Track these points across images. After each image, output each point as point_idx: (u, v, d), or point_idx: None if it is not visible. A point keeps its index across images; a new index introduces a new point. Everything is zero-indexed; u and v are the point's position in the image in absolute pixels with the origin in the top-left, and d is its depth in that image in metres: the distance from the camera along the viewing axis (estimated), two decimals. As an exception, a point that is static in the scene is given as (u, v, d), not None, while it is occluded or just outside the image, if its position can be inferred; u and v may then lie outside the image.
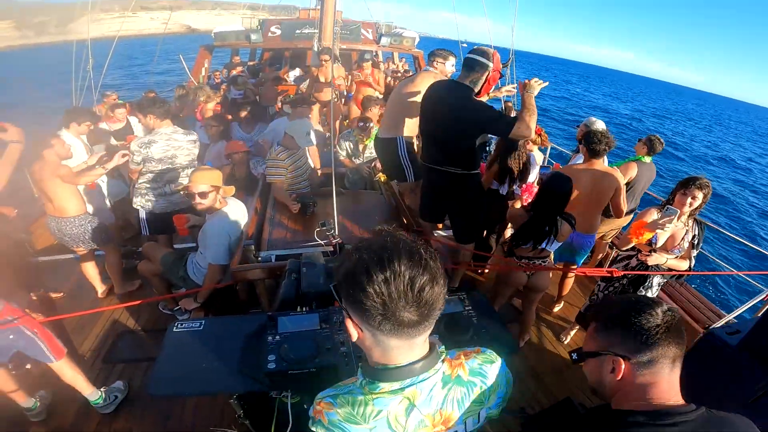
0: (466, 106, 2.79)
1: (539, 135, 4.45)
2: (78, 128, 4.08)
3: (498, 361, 1.07)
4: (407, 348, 0.90)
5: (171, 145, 3.57)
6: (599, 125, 4.10)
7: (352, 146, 4.88)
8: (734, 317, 3.31)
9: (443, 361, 0.97)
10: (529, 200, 3.11)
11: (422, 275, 0.82)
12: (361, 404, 0.92)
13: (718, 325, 3.16)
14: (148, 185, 3.65)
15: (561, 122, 26.76)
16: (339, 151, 4.87)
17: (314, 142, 3.86)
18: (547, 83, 2.89)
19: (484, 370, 1.03)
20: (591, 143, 3.31)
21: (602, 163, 3.38)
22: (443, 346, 1.01)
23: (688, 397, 2.39)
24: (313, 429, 0.96)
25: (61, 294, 3.89)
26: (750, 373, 2.16)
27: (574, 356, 1.12)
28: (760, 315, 3.09)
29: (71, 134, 4.04)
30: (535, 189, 3.28)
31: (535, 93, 2.77)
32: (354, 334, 0.92)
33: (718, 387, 2.34)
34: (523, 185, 3.71)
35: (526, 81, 2.79)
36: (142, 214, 3.77)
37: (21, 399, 2.63)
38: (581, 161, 3.61)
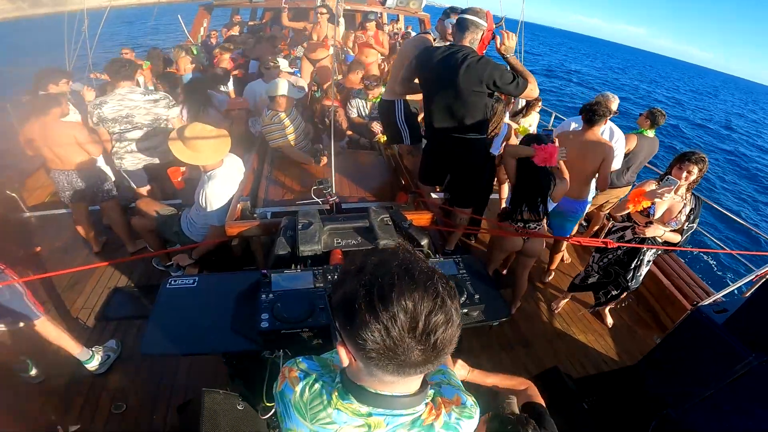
0: (479, 65, 2.76)
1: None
2: (57, 88, 3.99)
3: (475, 417, 0.97)
4: (402, 383, 0.82)
5: (124, 104, 3.52)
6: (612, 99, 4.07)
7: (363, 105, 4.85)
8: (723, 296, 3.35)
9: (426, 404, 0.89)
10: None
11: (435, 314, 0.70)
12: (321, 404, 0.87)
13: (706, 303, 3.21)
14: (116, 144, 3.67)
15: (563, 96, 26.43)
16: (350, 108, 4.86)
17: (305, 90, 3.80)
18: (515, 36, 2.90)
19: (460, 425, 0.92)
20: (586, 111, 3.35)
21: (596, 132, 3.38)
22: (433, 390, 0.93)
23: (672, 373, 2.46)
24: (273, 386, 0.94)
25: (39, 248, 3.88)
26: (734, 352, 2.19)
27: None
28: (747, 295, 3.14)
29: None
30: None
31: (513, 51, 2.85)
32: (345, 361, 0.81)
33: (702, 364, 2.39)
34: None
35: (504, 42, 2.80)
36: (122, 172, 3.86)
37: (16, 360, 2.65)
38: (573, 127, 3.68)
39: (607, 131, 3.72)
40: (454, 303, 0.73)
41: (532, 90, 2.84)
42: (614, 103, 4.07)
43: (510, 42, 2.82)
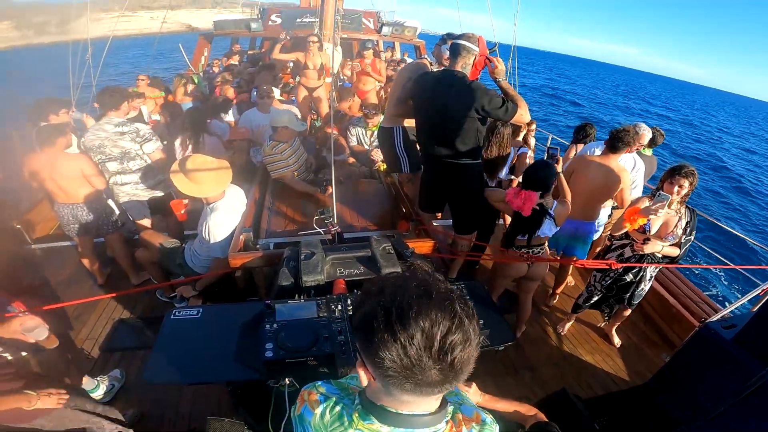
0: (469, 90, 2.80)
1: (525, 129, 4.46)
2: (57, 118, 4.02)
3: None
4: (421, 403, 0.83)
5: (97, 135, 3.48)
6: (644, 132, 4.11)
7: (363, 133, 4.89)
8: (730, 311, 3.33)
9: (447, 422, 0.89)
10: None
11: (453, 333, 0.70)
12: (342, 426, 0.88)
13: (714, 319, 3.18)
14: (107, 176, 3.66)
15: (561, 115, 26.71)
16: (350, 137, 4.91)
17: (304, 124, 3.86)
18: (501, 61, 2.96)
19: None
20: (611, 138, 3.37)
21: (617, 159, 3.41)
22: (453, 406, 0.93)
23: (683, 390, 2.42)
24: (291, 410, 0.94)
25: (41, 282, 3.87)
26: (744, 368, 2.17)
27: None
28: (755, 309, 3.11)
29: None
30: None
31: (504, 75, 2.91)
32: (365, 380, 0.83)
33: (713, 380, 2.37)
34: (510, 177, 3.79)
35: (496, 66, 2.87)
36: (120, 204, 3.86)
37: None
38: (596, 152, 3.70)
39: (630, 161, 3.75)
40: (472, 323, 0.74)
41: (522, 115, 2.86)
42: (645, 137, 4.09)
43: (500, 66, 2.88)
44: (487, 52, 2.95)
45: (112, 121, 3.53)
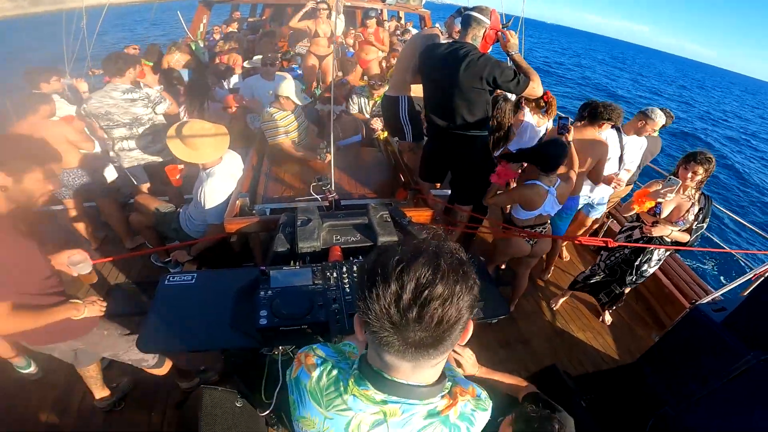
0: (480, 62, 2.77)
1: (548, 102, 4.35)
2: (49, 86, 3.95)
3: (488, 410, 0.97)
4: (410, 370, 0.81)
5: (104, 102, 3.47)
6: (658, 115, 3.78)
7: (365, 102, 4.86)
8: (721, 294, 3.36)
9: (443, 396, 0.88)
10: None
11: (431, 287, 0.70)
12: (337, 391, 0.87)
13: (705, 301, 3.21)
14: (112, 141, 3.68)
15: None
16: (351, 105, 4.86)
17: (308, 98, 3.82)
18: (516, 35, 2.92)
19: (474, 416, 0.92)
20: (594, 110, 3.33)
21: (594, 131, 3.35)
22: (450, 382, 0.92)
23: (671, 371, 2.45)
24: (287, 373, 0.94)
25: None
26: (733, 350, 2.19)
27: None
28: (746, 294, 3.14)
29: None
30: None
31: (516, 48, 2.87)
32: (360, 336, 0.83)
33: (700, 362, 2.39)
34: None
35: (508, 39, 2.83)
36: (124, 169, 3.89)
37: (14, 358, 2.64)
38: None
39: (614, 137, 3.65)
40: (460, 283, 0.72)
41: (534, 88, 2.83)
42: (658, 123, 3.67)
43: (513, 39, 2.83)
44: (500, 26, 2.91)
45: (118, 88, 3.51)
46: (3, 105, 4.57)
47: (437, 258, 0.73)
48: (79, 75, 5.61)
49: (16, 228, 1.67)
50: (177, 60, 5.27)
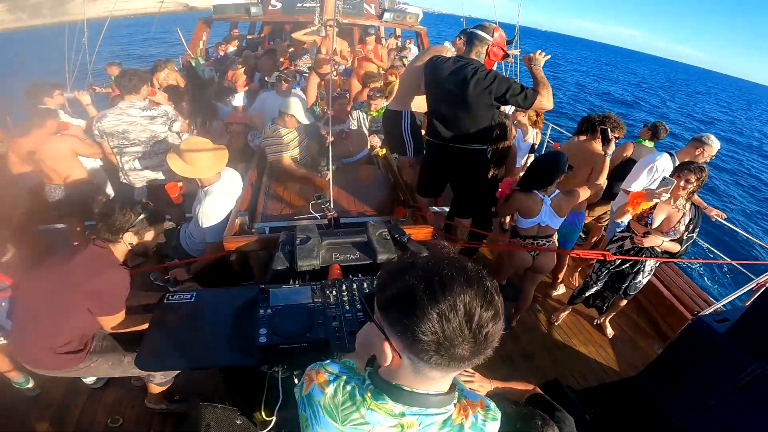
0: (487, 78, 2.82)
1: (537, 115, 4.38)
2: (53, 100, 3.98)
3: (498, 420, 0.97)
4: (440, 381, 0.84)
5: (122, 119, 3.44)
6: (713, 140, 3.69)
7: (363, 117, 4.87)
8: (723, 305, 3.35)
9: (454, 405, 0.90)
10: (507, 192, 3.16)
11: (486, 309, 0.73)
12: (354, 405, 0.87)
13: (707, 312, 3.20)
14: (121, 160, 3.64)
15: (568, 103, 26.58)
16: (351, 120, 4.88)
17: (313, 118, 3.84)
18: (549, 56, 2.95)
19: (485, 426, 0.93)
20: (587, 121, 3.40)
21: (596, 144, 3.36)
22: (458, 391, 0.93)
23: (675, 383, 2.43)
24: (296, 390, 0.93)
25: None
26: (736, 361, 2.19)
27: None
28: (748, 304, 3.13)
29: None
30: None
31: (541, 65, 2.88)
32: (389, 358, 0.82)
33: (704, 373, 2.38)
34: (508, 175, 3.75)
35: (531, 54, 2.87)
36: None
37: (12, 373, 2.61)
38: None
39: (669, 162, 3.58)
40: (500, 299, 0.76)
41: (543, 101, 2.84)
42: (714, 148, 3.58)
43: (539, 57, 2.87)
44: (505, 43, 2.99)
45: (135, 105, 3.49)
46: (3, 119, 4.61)
47: (474, 273, 0.76)
48: (80, 88, 5.66)
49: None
50: (164, 77, 5.32)
